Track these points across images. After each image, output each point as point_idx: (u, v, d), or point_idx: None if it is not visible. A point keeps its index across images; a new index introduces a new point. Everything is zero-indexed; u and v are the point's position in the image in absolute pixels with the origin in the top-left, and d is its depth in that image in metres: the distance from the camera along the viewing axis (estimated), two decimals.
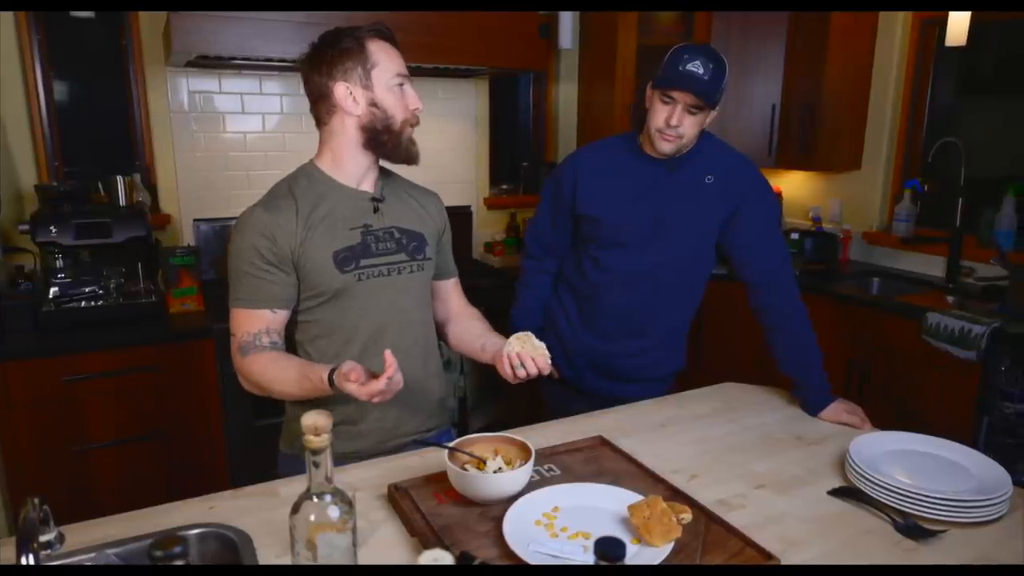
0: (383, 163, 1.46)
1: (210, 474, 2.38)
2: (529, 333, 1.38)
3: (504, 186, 3.63)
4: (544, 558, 1.02)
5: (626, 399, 1.75)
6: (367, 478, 1.31)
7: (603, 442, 1.43)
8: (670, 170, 1.74)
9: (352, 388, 1.20)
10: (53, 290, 2.30)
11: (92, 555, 1.04)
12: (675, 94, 1.61)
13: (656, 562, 1.01)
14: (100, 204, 2.48)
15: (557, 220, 1.88)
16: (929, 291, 2.83)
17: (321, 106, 1.38)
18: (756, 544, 1.07)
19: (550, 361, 1.35)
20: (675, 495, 1.22)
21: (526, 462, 1.19)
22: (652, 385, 1.89)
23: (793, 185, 3.65)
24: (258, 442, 2.34)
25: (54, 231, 2.22)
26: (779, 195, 3.43)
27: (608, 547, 0.76)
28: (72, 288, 2.32)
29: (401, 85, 1.38)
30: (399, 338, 1.43)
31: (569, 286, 1.92)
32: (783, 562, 1.05)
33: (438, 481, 1.23)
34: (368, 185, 1.44)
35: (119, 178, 2.48)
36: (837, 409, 1.62)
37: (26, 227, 2.24)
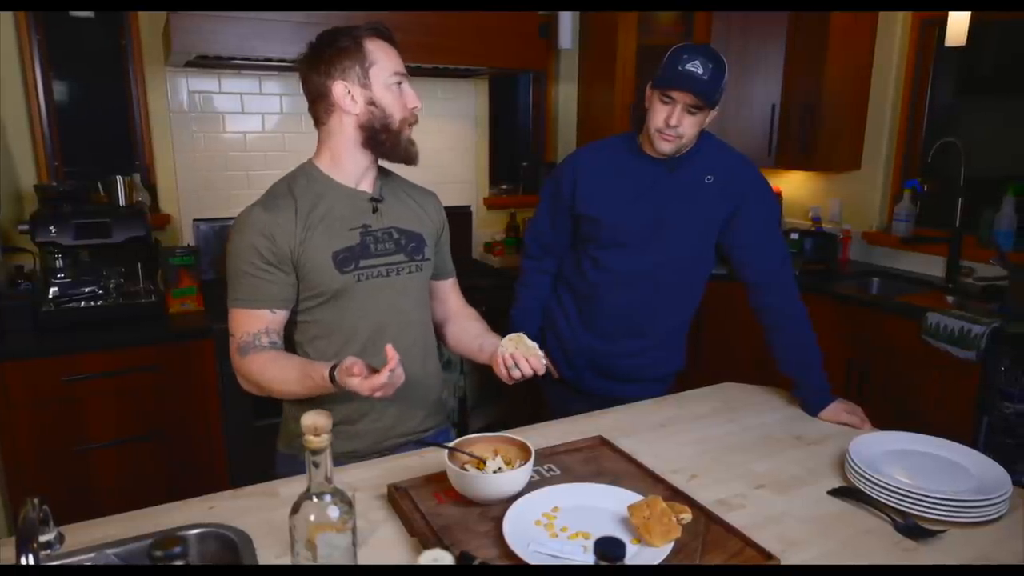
0: (382, 163, 1.46)
1: (210, 474, 2.38)
2: (522, 335, 1.38)
3: (504, 186, 3.62)
4: (544, 558, 1.02)
5: (626, 399, 1.75)
6: (367, 478, 1.31)
7: (603, 442, 1.43)
8: (670, 170, 1.74)
9: (355, 383, 1.20)
10: (53, 290, 2.30)
11: (92, 555, 1.04)
12: (674, 94, 1.61)
13: (656, 562, 1.01)
14: (100, 204, 2.48)
15: (556, 220, 1.88)
16: (929, 291, 2.83)
17: (319, 105, 1.38)
18: (756, 544, 1.07)
19: (544, 362, 1.36)
20: (675, 495, 1.22)
21: (526, 462, 1.19)
22: (652, 385, 1.89)
23: (793, 185, 3.65)
24: (258, 442, 2.34)
25: (54, 231, 2.22)
26: (779, 195, 3.43)
27: (608, 547, 0.76)
28: (72, 288, 2.32)
29: (399, 84, 1.38)
30: (398, 338, 1.43)
31: (568, 286, 1.92)
32: (783, 562, 1.05)
33: (438, 481, 1.23)
34: (367, 185, 1.44)
35: (119, 178, 2.48)
36: (837, 409, 1.62)
37: (26, 227, 2.24)
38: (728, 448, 1.46)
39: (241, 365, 1.35)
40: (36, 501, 0.87)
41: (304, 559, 0.87)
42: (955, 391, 2.36)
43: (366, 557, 1.06)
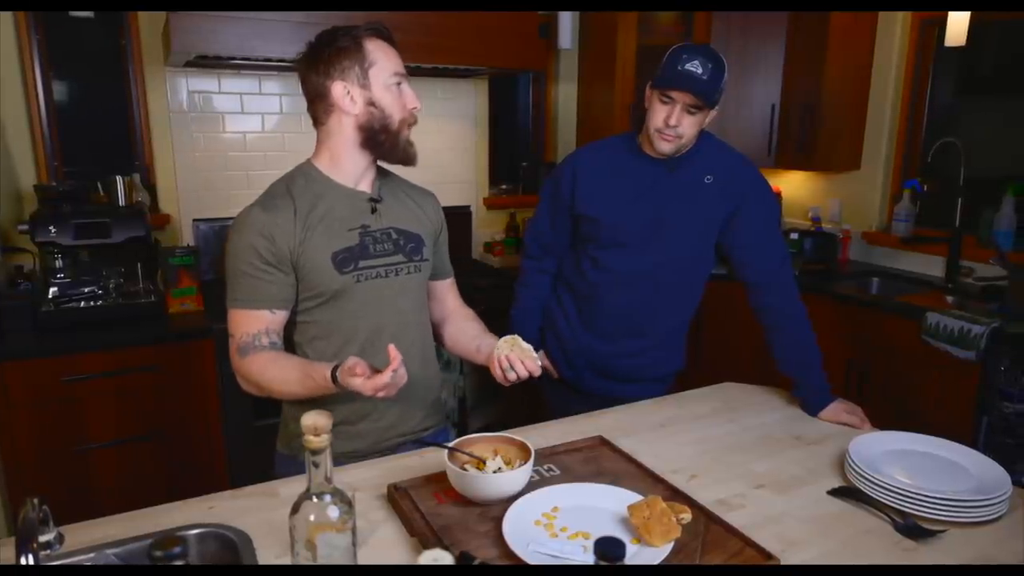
0: (381, 163, 1.46)
1: (210, 474, 2.38)
2: (516, 336, 1.39)
3: (503, 186, 3.62)
4: (544, 558, 1.02)
5: (626, 399, 1.75)
6: (367, 478, 1.31)
7: (603, 442, 1.43)
8: (669, 170, 1.74)
9: (357, 383, 1.20)
10: (52, 290, 2.30)
11: (92, 555, 1.04)
12: (674, 94, 1.61)
13: (656, 562, 1.01)
14: (99, 204, 2.48)
15: (556, 220, 1.88)
16: (928, 291, 2.83)
17: (318, 105, 1.38)
18: (756, 544, 1.07)
19: (540, 363, 1.37)
20: (675, 495, 1.22)
21: (526, 462, 1.19)
22: (652, 385, 1.89)
23: (793, 185, 3.65)
24: (258, 442, 2.34)
25: (53, 231, 2.22)
26: (779, 195, 3.43)
27: (608, 547, 0.76)
28: (71, 288, 2.32)
29: (399, 84, 1.38)
30: (397, 339, 1.42)
31: (568, 286, 1.92)
32: (783, 562, 1.05)
33: (438, 481, 1.23)
34: (366, 185, 1.44)
35: (118, 178, 2.48)
36: (837, 409, 1.62)
37: (25, 227, 2.24)
38: (728, 448, 1.46)
39: (241, 366, 1.35)
40: (36, 501, 0.87)
41: (304, 559, 0.87)
42: (955, 391, 2.36)
43: (366, 557, 1.06)
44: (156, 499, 1.24)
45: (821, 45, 3.05)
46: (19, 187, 2.54)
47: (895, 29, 3.12)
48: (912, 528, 1.15)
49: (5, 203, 2.41)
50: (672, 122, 1.63)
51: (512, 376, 1.36)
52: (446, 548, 1.03)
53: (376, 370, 1.22)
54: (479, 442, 1.27)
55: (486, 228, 3.52)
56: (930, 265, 3.02)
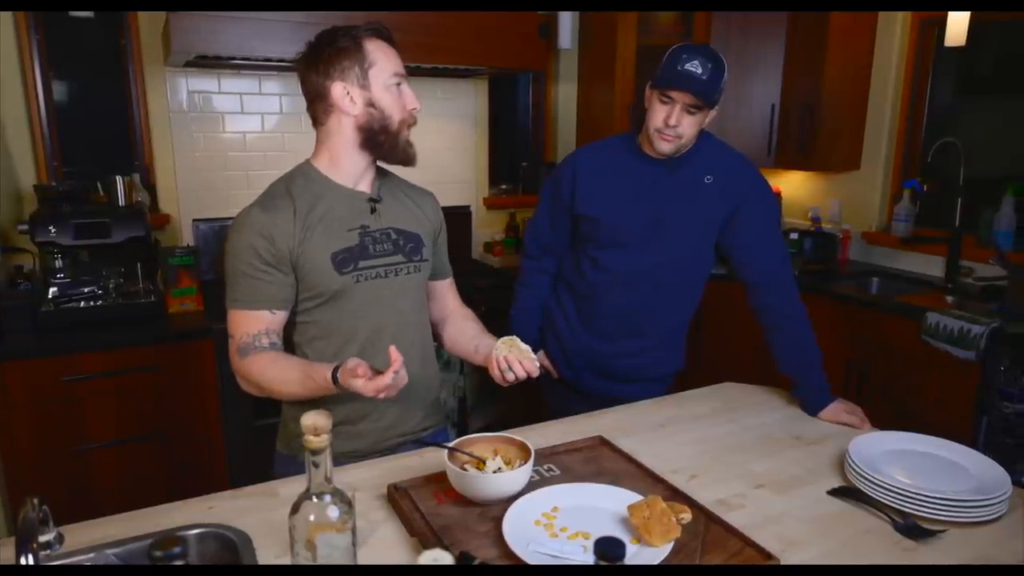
0: (380, 163, 1.46)
1: (209, 474, 2.38)
2: (514, 337, 1.39)
3: (503, 186, 3.62)
4: (544, 558, 1.02)
5: (625, 399, 1.75)
6: (367, 478, 1.31)
7: (603, 442, 1.43)
8: (669, 170, 1.74)
9: (359, 384, 1.20)
10: (52, 290, 2.30)
11: (91, 555, 1.04)
12: (673, 94, 1.61)
13: (656, 562, 1.01)
14: (99, 204, 2.47)
15: (556, 220, 1.88)
16: (928, 291, 2.83)
17: (318, 106, 1.38)
18: (756, 544, 1.07)
19: (538, 364, 1.37)
20: (675, 495, 1.22)
21: (526, 462, 1.20)
22: (651, 385, 1.89)
23: (792, 185, 3.65)
24: (258, 442, 2.34)
25: (53, 231, 2.22)
26: (778, 195, 3.43)
27: (608, 547, 0.76)
28: (71, 288, 2.32)
29: (398, 84, 1.38)
30: (397, 339, 1.42)
31: (568, 286, 1.92)
32: (783, 562, 1.05)
33: (438, 481, 1.23)
34: (365, 185, 1.44)
35: (118, 178, 2.48)
36: (836, 409, 1.62)
37: (25, 227, 2.24)
38: (728, 448, 1.46)
39: (241, 366, 1.35)
40: (36, 501, 0.87)
41: (304, 559, 0.87)
42: (954, 391, 2.36)
43: (366, 557, 1.06)
44: (156, 499, 1.23)
45: (821, 45, 3.05)
46: (19, 187, 2.54)
47: (895, 29, 3.12)
48: (912, 528, 1.15)
49: (5, 203, 2.41)
50: (672, 122, 1.63)
51: (510, 377, 1.36)
52: (446, 548, 1.03)
53: (377, 371, 1.22)
54: (479, 442, 1.27)
55: (486, 228, 3.52)
56: (930, 265, 3.02)
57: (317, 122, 1.40)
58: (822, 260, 3.16)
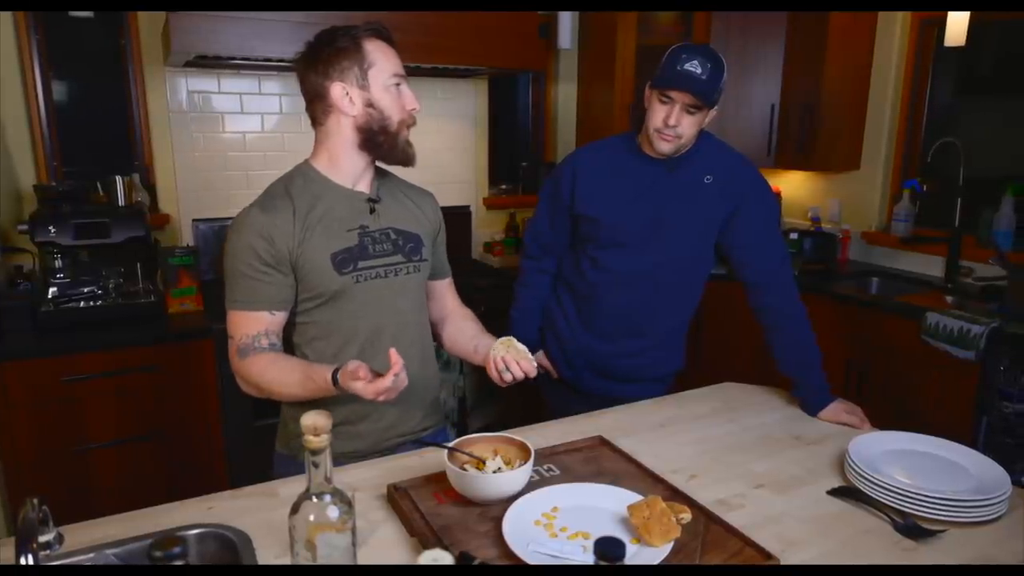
0: (379, 163, 1.46)
1: (209, 474, 2.38)
2: (511, 338, 1.40)
3: (503, 186, 3.62)
4: (544, 558, 1.02)
5: (625, 399, 1.75)
6: (366, 478, 1.31)
7: (602, 442, 1.43)
8: (669, 170, 1.74)
9: (359, 386, 1.20)
10: (52, 290, 2.30)
11: (91, 555, 1.04)
12: (673, 94, 1.61)
13: (655, 562, 1.01)
14: (99, 204, 2.48)
15: (555, 220, 1.88)
16: (928, 291, 2.83)
17: (317, 106, 1.38)
18: (755, 544, 1.07)
19: (535, 364, 1.37)
20: (674, 495, 1.22)
21: (525, 462, 1.20)
22: (651, 385, 1.89)
23: (792, 185, 3.65)
24: (257, 442, 2.34)
25: (53, 231, 2.22)
26: (778, 195, 3.43)
27: (608, 547, 0.76)
28: (71, 288, 2.32)
29: (398, 85, 1.38)
30: (397, 339, 1.43)
31: (568, 286, 1.92)
32: (782, 562, 1.05)
33: (437, 481, 1.23)
34: (364, 186, 1.44)
35: (118, 178, 2.48)
36: (836, 409, 1.62)
37: (25, 227, 2.23)
38: (728, 448, 1.46)
39: (241, 367, 1.35)
40: (35, 501, 0.87)
41: (304, 559, 0.87)
42: (954, 391, 2.36)
43: (366, 557, 1.06)
44: (156, 499, 1.23)
45: (820, 45, 3.05)
46: (19, 187, 2.54)
47: (895, 29, 3.12)
48: (912, 528, 1.15)
49: (5, 203, 2.41)
50: (671, 122, 1.63)
51: (508, 377, 1.36)
52: (446, 548, 1.03)
53: (377, 374, 1.22)
54: (479, 442, 1.27)
55: (486, 228, 3.52)
56: (930, 265, 3.02)
57: (316, 122, 1.40)
58: (822, 260, 3.16)
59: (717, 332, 3.00)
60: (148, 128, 2.74)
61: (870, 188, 3.29)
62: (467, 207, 3.44)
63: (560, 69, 3.53)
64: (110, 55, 2.70)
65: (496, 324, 1.64)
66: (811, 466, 1.39)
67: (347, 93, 1.34)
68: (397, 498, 1.19)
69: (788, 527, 1.17)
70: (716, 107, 1.67)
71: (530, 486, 1.20)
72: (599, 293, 1.84)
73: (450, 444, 1.25)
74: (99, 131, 2.74)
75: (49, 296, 2.28)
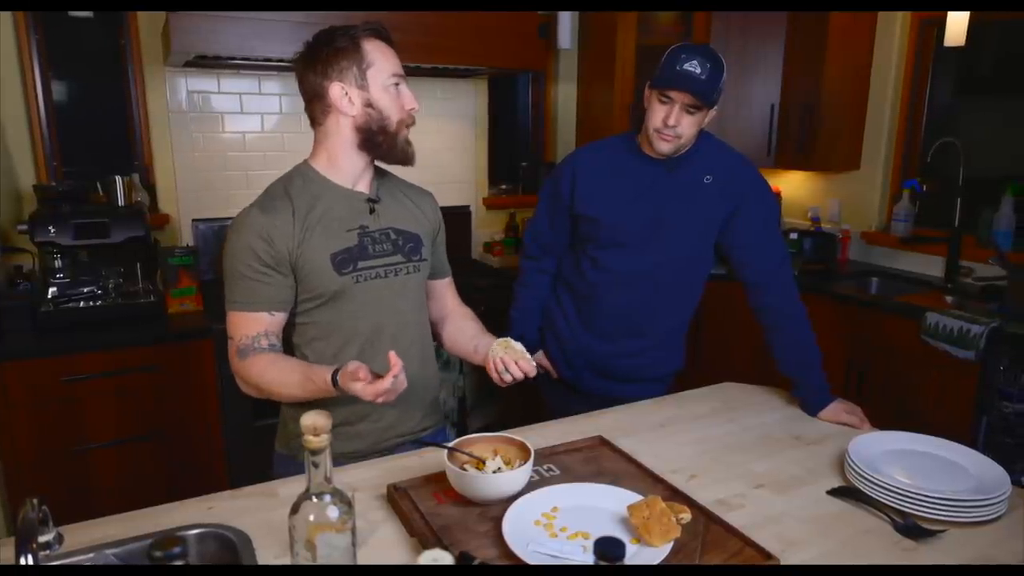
0: (378, 163, 1.46)
1: (209, 474, 2.38)
2: (509, 339, 1.40)
3: (503, 186, 3.62)
4: (543, 558, 1.02)
5: (625, 399, 1.75)
6: (366, 478, 1.31)
7: (602, 442, 1.43)
8: (669, 170, 1.74)
9: (358, 387, 1.20)
10: (52, 290, 2.30)
11: (91, 555, 1.04)
12: (672, 94, 1.61)
13: (655, 562, 1.01)
14: (99, 204, 2.47)
15: (555, 220, 1.88)
16: (928, 291, 2.83)
17: (316, 106, 1.38)
18: (755, 544, 1.07)
19: (534, 365, 1.37)
20: (674, 495, 1.22)
21: (525, 462, 1.19)
22: (651, 385, 1.89)
23: (792, 185, 3.65)
24: (257, 442, 2.34)
25: (52, 231, 2.22)
26: (778, 195, 3.44)
27: (607, 547, 0.76)
28: (71, 288, 2.32)
29: (397, 85, 1.38)
30: (396, 339, 1.43)
31: (567, 286, 1.92)
32: (782, 562, 1.05)
33: (437, 481, 1.23)
34: (363, 186, 1.44)
35: (117, 178, 2.48)
36: (836, 409, 1.62)
37: (24, 227, 2.23)
38: (728, 448, 1.46)
39: (240, 368, 1.35)
40: (35, 501, 0.87)
41: (304, 559, 0.87)
42: (954, 391, 2.36)
43: (366, 557, 1.06)
44: (156, 499, 1.23)
45: (820, 45, 3.05)
46: (18, 187, 2.54)
47: (894, 29, 3.12)
48: (912, 528, 1.15)
49: (4, 203, 2.41)
50: (671, 122, 1.63)
51: (507, 378, 1.37)
52: (446, 548, 1.03)
53: (377, 375, 1.22)
54: (479, 442, 1.27)
55: (485, 228, 3.52)
56: (929, 265, 3.02)
57: (315, 122, 1.40)
58: (822, 260, 3.16)
59: (717, 332, 3.00)
60: (148, 128, 2.74)
61: (870, 188, 3.29)
62: (467, 207, 3.44)
63: (560, 69, 3.53)
64: (110, 55, 2.70)
65: (496, 324, 1.64)
66: (811, 466, 1.39)
67: (346, 93, 1.34)
68: (397, 498, 1.19)
69: (788, 527, 1.17)
70: (716, 107, 1.67)
71: (530, 486, 1.20)
72: (599, 293, 1.84)
73: (450, 444, 1.25)
74: (99, 131, 2.74)
75: (49, 296, 2.28)
